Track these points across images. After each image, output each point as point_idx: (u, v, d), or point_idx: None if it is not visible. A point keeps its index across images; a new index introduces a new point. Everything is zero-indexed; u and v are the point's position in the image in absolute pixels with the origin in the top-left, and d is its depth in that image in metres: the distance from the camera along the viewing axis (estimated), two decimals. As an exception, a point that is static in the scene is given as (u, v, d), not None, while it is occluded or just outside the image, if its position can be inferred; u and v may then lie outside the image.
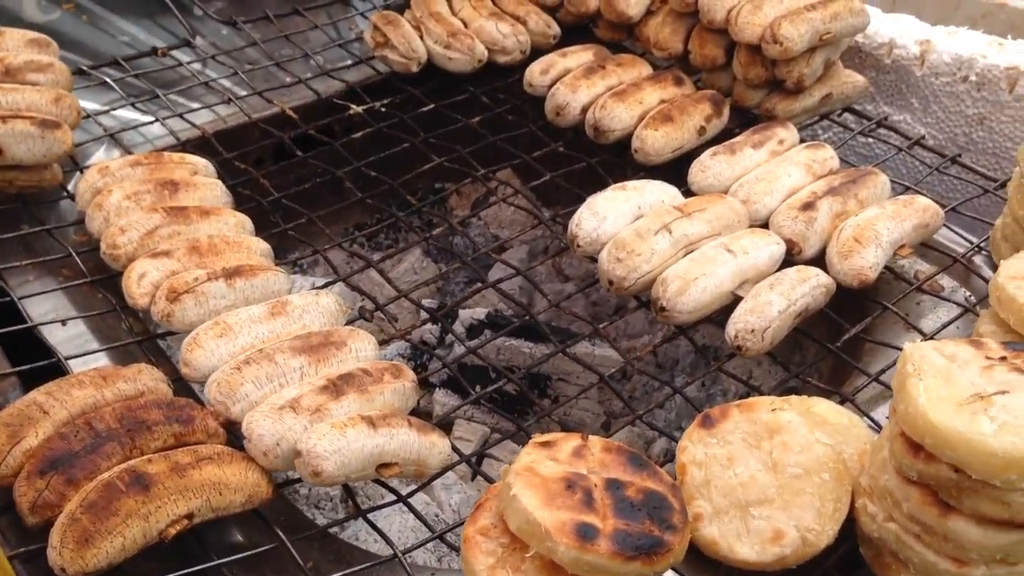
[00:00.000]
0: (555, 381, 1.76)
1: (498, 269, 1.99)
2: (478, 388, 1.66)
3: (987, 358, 1.01)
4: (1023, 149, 1.35)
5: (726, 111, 1.73)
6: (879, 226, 1.42)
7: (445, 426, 1.76)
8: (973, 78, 1.81)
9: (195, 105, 1.84)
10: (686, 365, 1.85)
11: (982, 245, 1.52)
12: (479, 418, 1.76)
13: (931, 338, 1.37)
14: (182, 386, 1.25)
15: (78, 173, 1.59)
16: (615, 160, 1.73)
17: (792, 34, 1.64)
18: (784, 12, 1.68)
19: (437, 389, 1.76)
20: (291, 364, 1.18)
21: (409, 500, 1.17)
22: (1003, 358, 1.01)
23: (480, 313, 1.78)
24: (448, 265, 2.00)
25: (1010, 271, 1.12)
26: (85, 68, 1.88)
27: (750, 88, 1.77)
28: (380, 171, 1.70)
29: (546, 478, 1.00)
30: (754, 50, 1.71)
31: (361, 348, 1.24)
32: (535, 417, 1.38)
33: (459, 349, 1.73)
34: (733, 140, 1.63)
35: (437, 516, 1.48)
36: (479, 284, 1.73)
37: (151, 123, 1.77)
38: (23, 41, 1.64)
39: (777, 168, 1.55)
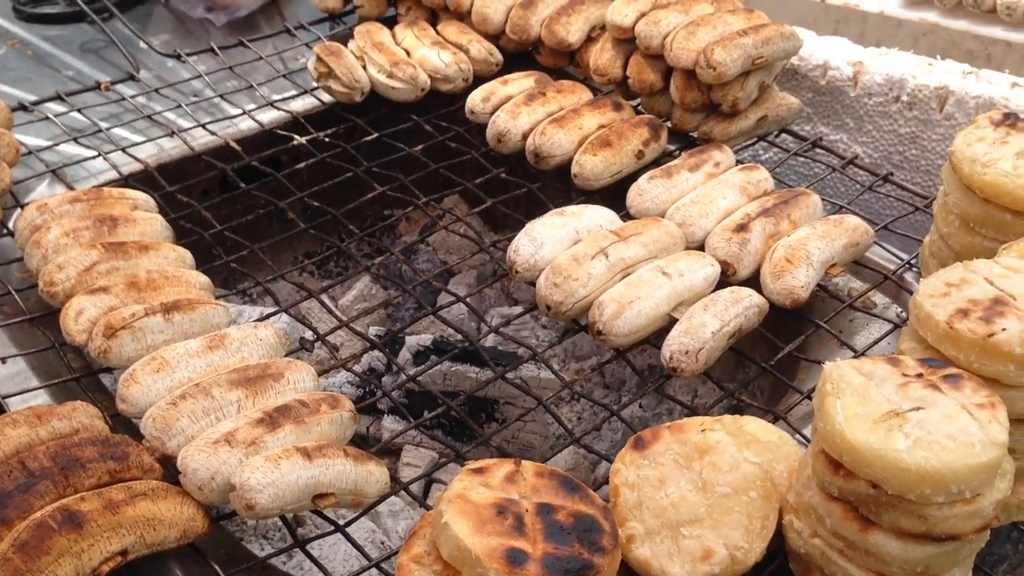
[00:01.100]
0: (502, 405, 1.77)
1: (446, 294, 2.01)
2: (426, 413, 1.68)
3: (904, 375, 1.04)
4: (946, 168, 1.39)
5: (664, 135, 1.77)
6: (810, 246, 1.45)
7: (394, 452, 1.77)
8: (904, 98, 1.85)
9: (138, 139, 1.85)
10: (632, 386, 1.87)
11: (913, 262, 1.55)
12: (428, 443, 1.77)
13: (862, 355, 1.40)
14: (121, 422, 1.26)
15: (18, 210, 1.59)
16: (556, 185, 1.76)
17: (725, 59, 1.67)
18: (717, 38, 1.72)
19: (385, 415, 1.77)
20: (228, 397, 1.18)
21: (348, 529, 1.18)
22: (919, 375, 1.04)
23: (426, 339, 1.79)
24: (397, 291, 2.01)
25: (928, 289, 1.15)
26: (27, 104, 1.88)
27: (688, 112, 1.80)
28: (323, 201, 1.71)
29: (478, 504, 1.02)
30: (690, 75, 1.74)
31: (299, 379, 1.25)
32: (474, 443, 1.39)
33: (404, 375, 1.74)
34: (670, 163, 1.66)
35: (383, 543, 1.48)
36: (426, 310, 1.75)
37: (94, 158, 1.77)
38: (-40, 80, 1.64)
39: (712, 190, 1.58)
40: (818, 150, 1.84)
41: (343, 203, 1.74)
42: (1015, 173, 1.29)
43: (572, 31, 1.93)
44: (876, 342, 1.43)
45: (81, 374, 1.33)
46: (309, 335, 1.43)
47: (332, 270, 2.16)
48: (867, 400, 1.00)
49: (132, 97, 1.96)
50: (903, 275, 1.54)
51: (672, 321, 1.38)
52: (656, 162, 1.74)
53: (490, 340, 1.83)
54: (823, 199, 1.67)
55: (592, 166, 1.67)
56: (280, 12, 2.36)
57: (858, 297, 1.50)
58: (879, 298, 1.53)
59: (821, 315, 1.48)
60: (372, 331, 1.86)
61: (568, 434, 1.34)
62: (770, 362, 1.40)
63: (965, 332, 1.08)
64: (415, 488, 1.69)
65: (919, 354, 1.14)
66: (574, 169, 1.68)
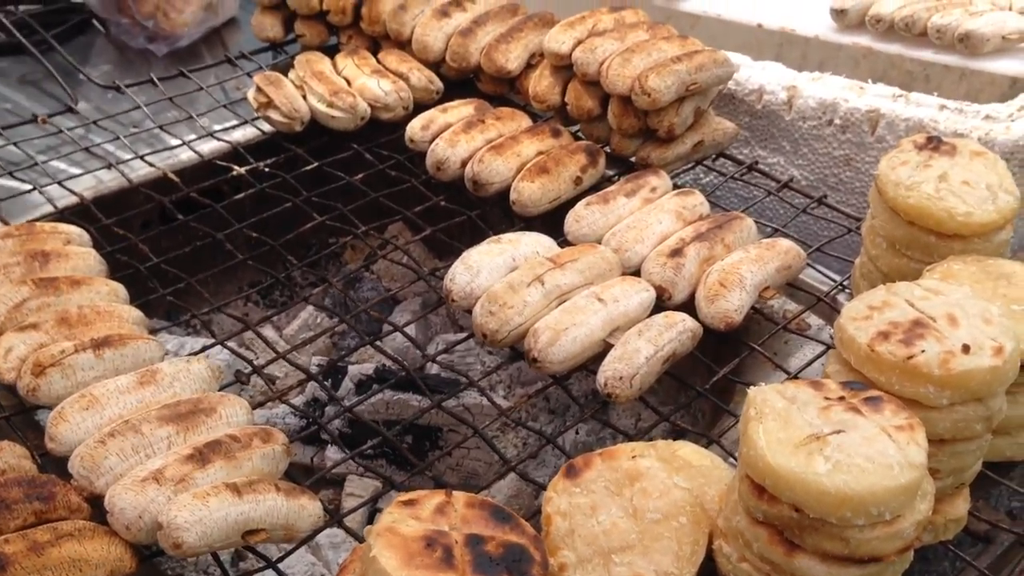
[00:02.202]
0: (446, 432, 1.77)
1: (393, 321, 2.01)
2: (368, 442, 1.67)
3: (826, 398, 1.06)
4: (873, 191, 1.41)
5: (602, 161, 1.78)
6: (743, 270, 1.47)
7: (338, 481, 1.76)
8: (837, 121, 1.89)
9: (76, 171, 1.84)
10: (576, 410, 1.88)
11: (846, 283, 1.58)
12: (371, 472, 1.76)
13: (795, 377, 1.42)
14: (51, 460, 1.24)
15: (-50, 246, 1.57)
16: (497, 212, 1.77)
17: (659, 85, 1.69)
18: (652, 64, 1.74)
19: (329, 445, 1.76)
20: (158, 434, 1.17)
21: (286, 562, 1.17)
22: (841, 398, 1.06)
23: (368, 368, 1.79)
24: (338, 321, 2.01)
25: (851, 312, 1.17)
26: (-38, 138, 1.86)
27: (625, 137, 1.82)
28: (264, 231, 1.71)
29: (406, 537, 1.01)
30: (626, 101, 1.77)
31: (232, 414, 1.24)
32: (413, 472, 1.39)
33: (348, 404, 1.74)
34: (607, 190, 1.67)
35: (323, 576, 1.48)
36: (367, 338, 1.74)
37: (29, 192, 1.76)
38: None
39: (648, 216, 1.60)
40: (755, 173, 1.87)
41: (284, 233, 1.73)
42: (937, 196, 1.32)
43: (511, 58, 1.95)
44: (809, 363, 1.45)
45: (11, 412, 1.31)
46: (245, 367, 1.43)
47: (277, 299, 2.15)
48: (789, 424, 1.02)
49: (70, 129, 1.94)
50: (836, 296, 1.56)
51: (608, 347, 1.39)
52: (595, 188, 1.76)
53: (437, 367, 1.83)
54: (761, 222, 1.70)
55: (530, 193, 1.68)
56: (223, 42, 2.36)
57: (792, 319, 1.52)
58: (813, 319, 1.56)
59: (756, 338, 1.50)
60: (315, 360, 1.85)
61: (505, 463, 1.34)
62: (705, 386, 1.41)
63: (885, 355, 1.10)
64: (360, 517, 1.68)
65: (843, 376, 1.16)
66: (512, 196, 1.69)
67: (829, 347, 1.46)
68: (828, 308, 1.55)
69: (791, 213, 1.79)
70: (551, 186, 1.69)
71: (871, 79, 2.08)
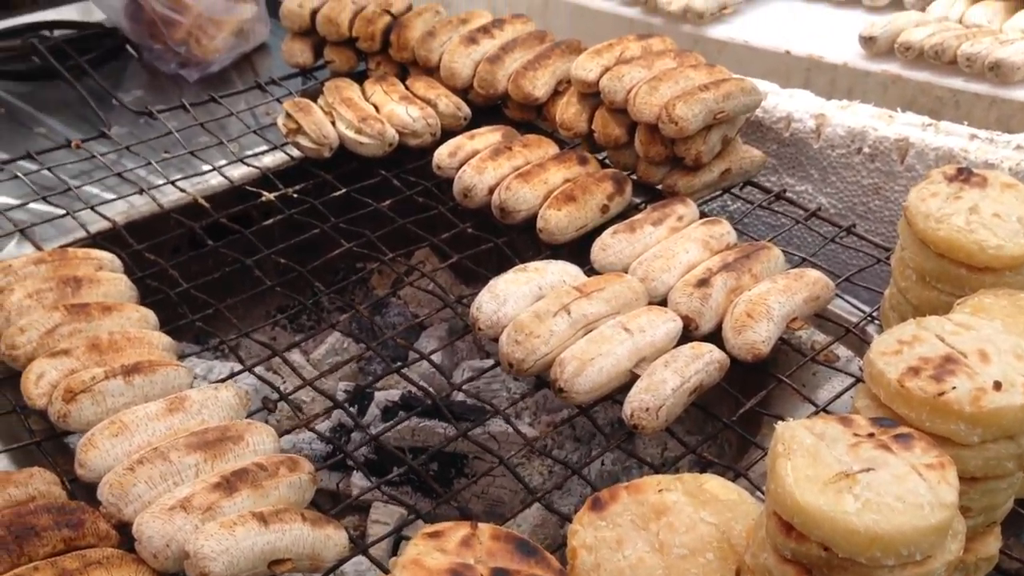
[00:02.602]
0: (471, 459, 1.77)
1: (419, 347, 2.01)
2: (395, 470, 1.68)
3: (855, 435, 1.05)
4: (902, 223, 1.41)
5: (628, 189, 1.78)
6: (770, 300, 1.46)
7: (364, 508, 1.76)
8: (866, 150, 1.88)
9: (108, 196, 1.86)
10: (602, 439, 1.87)
11: (875, 315, 1.57)
12: (398, 498, 1.76)
13: (824, 409, 1.41)
14: (81, 486, 1.25)
15: (-16, 271, 1.60)
16: (523, 239, 1.77)
17: (686, 114, 1.69)
18: (679, 92, 1.74)
19: (355, 472, 1.77)
20: (186, 461, 1.18)
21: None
22: (871, 435, 1.05)
23: (395, 395, 1.79)
24: (368, 344, 2.02)
25: (881, 346, 1.16)
26: (-3, 164, 1.89)
27: (652, 165, 1.82)
28: (292, 257, 1.72)
29: (432, 570, 1.01)
30: (653, 129, 1.77)
31: (259, 442, 1.25)
32: (439, 500, 1.39)
33: (373, 430, 1.74)
34: (634, 218, 1.67)
35: (349, 605, 1.48)
36: (396, 364, 1.75)
37: (62, 216, 1.78)
38: (-73, 142, 1.65)
39: (675, 245, 1.59)
40: (783, 202, 1.86)
41: (312, 259, 1.74)
42: (968, 228, 1.31)
43: (538, 85, 1.96)
44: (838, 396, 1.44)
45: (42, 438, 1.32)
46: (272, 394, 1.43)
47: (305, 323, 2.16)
48: (818, 461, 1.01)
49: (103, 154, 1.97)
50: (865, 328, 1.55)
51: (634, 377, 1.39)
52: (621, 215, 1.76)
53: (463, 393, 1.83)
54: (788, 251, 1.69)
55: (556, 221, 1.68)
56: (253, 67, 2.38)
57: (820, 351, 1.51)
58: (842, 351, 1.54)
59: (784, 369, 1.49)
60: (342, 386, 1.86)
61: (530, 493, 1.34)
62: (732, 417, 1.40)
63: (916, 391, 1.08)
64: (386, 545, 1.68)
65: (873, 412, 1.15)
66: (539, 224, 1.70)
67: (858, 379, 1.45)
68: (857, 339, 1.54)
69: (819, 242, 1.78)
70: (578, 214, 1.70)
71: (900, 105, 2.08)
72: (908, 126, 1.85)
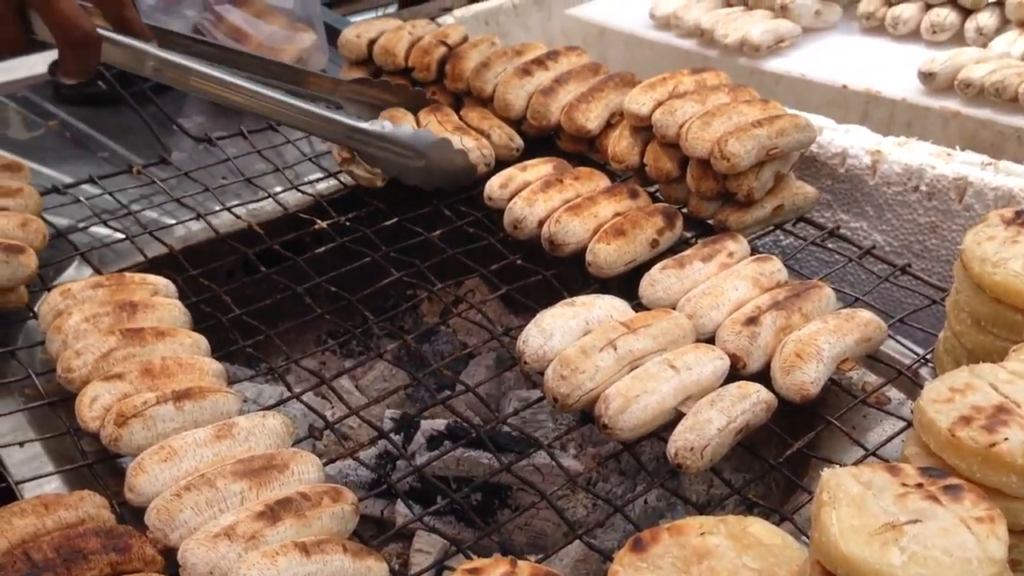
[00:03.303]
0: (515, 491, 1.77)
1: (466, 376, 2.02)
2: (439, 500, 1.68)
3: (903, 485, 1.03)
4: (957, 266, 1.38)
5: (679, 224, 1.78)
6: (820, 341, 1.44)
7: (407, 536, 1.77)
8: (923, 187, 1.85)
9: (166, 221, 1.90)
10: (649, 472, 1.86)
11: (928, 357, 1.54)
12: (441, 528, 1.77)
13: (873, 454, 1.39)
14: (129, 510, 1.27)
15: (45, 293, 1.64)
16: (571, 272, 1.77)
17: (738, 150, 1.69)
18: (732, 128, 1.73)
19: (398, 502, 1.77)
20: (231, 489, 1.20)
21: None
22: (919, 484, 1.03)
23: (440, 424, 1.80)
24: (417, 372, 2.03)
25: (932, 394, 1.14)
26: (60, 187, 1.94)
27: (704, 200, 1.81)
28: (343, 285, 1.74)
29: (470, 608, 1.02)
30: (705, 164, 1.76)
31: (304, 471, 1.26)
32: (483, 532, 1.39)
33: (418, 459, 1.75)
34: (683, 253, 1.66)
35: (389, 635, 1.47)
36: (442, 395, 1.76)
37: (122, 240, 1.82)
38: (-5, 166, 1.70)
39: (724, 282, 1.58)
40: (836, 239, 1.84)
41: (362, 287, 1.76)
42: (1025, 273, 1.28)
43: (591, 118, 1.96)
44: (888, 440, 1.41)
45: (94, 460, 1.35)
46: (318, 423, 1.45)
47: (354, 349, 2.18)
48: (864, 511, 0.99)
49: (163, 180, 2.01)
50: (918, 370, 1.53)
51: (679, 415, 1.38)
52: (671, 250, 1.75)
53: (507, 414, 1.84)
54: (841, 289, 1.67)
55: (606, 255, 1.68)
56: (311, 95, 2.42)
57: (871, 393, 1.49)
58: (894, 393, 1.52)
59: (833, 411, 1.47)
60: (389, 413, 1.87)
61: (571, 529, 1.33)
62: (779, 459, 1.39)
63: (967, 441, 1.06)
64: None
65: (923, 460, 1.13)
66: (588, 258, 1.70)
67: (910, 423, 1.42)
68: (910, 382, 1.51)
69: (873, 280, 1.76)
70: (627, 248, 1.69)
71: (960, 142, 2.05)
72: (967, 165, 1.82)
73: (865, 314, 1.51)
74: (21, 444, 1.38)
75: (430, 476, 1.50)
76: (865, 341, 1.49)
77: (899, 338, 1.58)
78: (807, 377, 1.41)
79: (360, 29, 2.28)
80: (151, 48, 1.71)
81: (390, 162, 1.91)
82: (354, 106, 2.13)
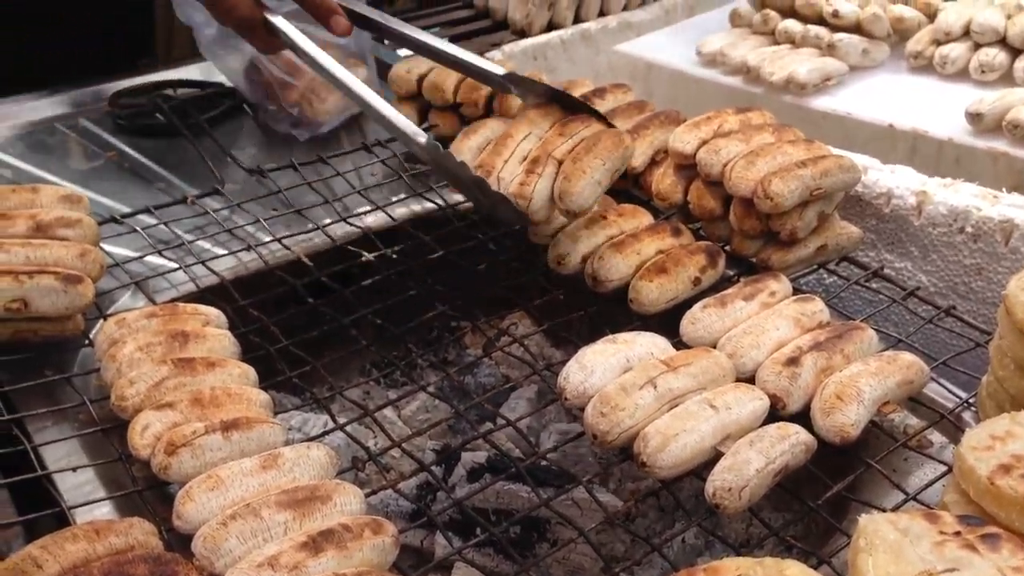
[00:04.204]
0: (554, 524, 1.78)
1: (507, 408, 2.04)
2: (478, 532, 1.69)
3: (941, 532, 1.03)
4: (1001, 311, 1.38)
5: (721, 262, 1.79)
6: (862, 383, 1.44)
7: (446, 567, 1.78)
8: (969, 229, 1.85)
9: (218, 251, 1.95)
10: (687, 509, 1.86)
11: (971, 401, 1.53)
12: (479, 560, 1.78)
13: (914, 498, 1.38)
14: (177, 537, 1.30)
15: (101, 321, 1.69)
16: (615, 308, 1.79)
17: (782, 190, 1.70)
18: (776, 168, 1.74)
19: (438, 533, 1.79)
20: (276, 519, 1.22)
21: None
22: (957, 533, 1.03)
23: (481, 456, 1.82)
24: (459, 404, 2.05)
25: (972, 441, 1.14)
26: (118, 217, 1.99)
27: (747, 239, 1.82)
28: (388, 317, 1.77)
29: (506, 644, 1.03)
30: (748, 203, 1.77)
31: (346, 502, 1.28)
32: (521, 567, 1.40)
33: (459, 491, 1.77)
34: (724, 292, 1.67)
35: (427, 666, 1.49)
36: (487, 427, 1.78)
37: (175, 270, 1.87)
38: (56, 197, 1.76)
39: (765, 321, 1.59)
40: (880, 279, 1.84)
41: (407, 319, 1.79)
42: (1069, 321, 1.28)
43: (636, 155, 1.98)
44: (929, 484, 1.41)
45: (144, 487, 1.39)
46: (362, 454, 1.48)
47: (398, 379, 2.21)
48: (901, 559, 0.99)
49: (215, 210, 2.06)
50: (960, 415, 1.52)
51: (718, 455, 1.39)
52: (714, 287, 1.76)
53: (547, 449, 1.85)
54: (884, 329, 1.67)
55: (648, 292, 1.70)
56: (360, 128, 2.47)
57: (912, 436, 1.48)
58: (935, 437, 1.51)
59: (874, 453, 1.46)
60: (430, 444, 1.89)
61: (608, 566, 1.34)
62: (818, 501, 1.39)
63: (1006, 489, 1.06)
64: (466, 607, 1.70)
65: (962, 507, 1.12)
66: (631, 295, 1.71)
67: (951, 468, 1.42)
68: (952, 426, 1.50)
69: (916, 322, 1.75)
70: (669, 286, 1.71)
71: (1008, 183, 2.04)
72: (1013, 207, 1.81)
73: (907, 356, 1.51)
74: (74, 469, 1.42)
75: (469, 509, 1.52)
76: (907, 384, 1.48)
77: (942, 381, 1.57)
78: (847, 419, 1.41)
79: (411, 64, 2.33)
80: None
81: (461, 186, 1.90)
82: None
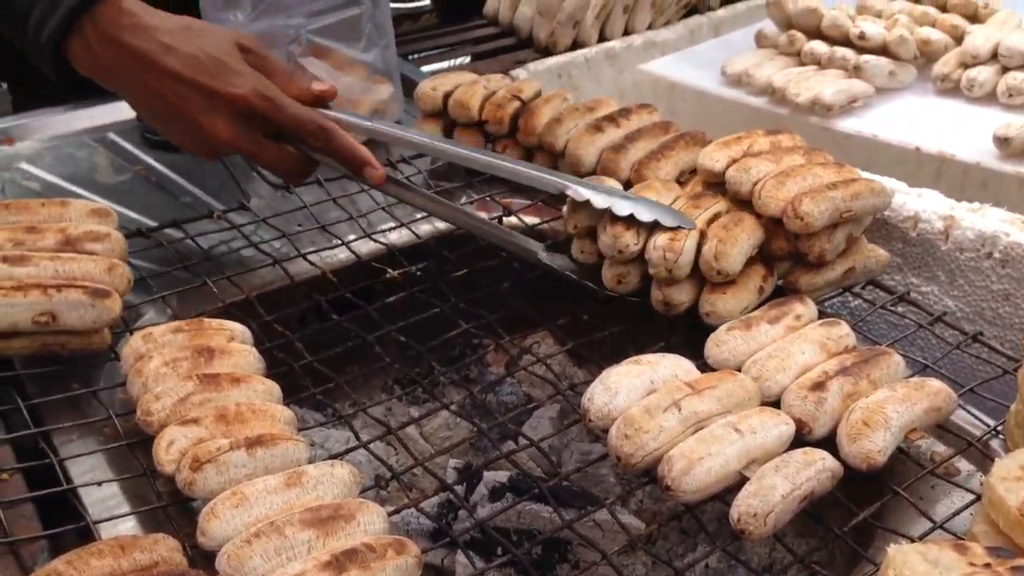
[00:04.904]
0: (576, 546, 1.77)
1: (529, 428, 2.03)
2: (499, 552, 1.69)
3: (971, 564, 1.02)
4: (1030, 338, 1.37)
5: (776, 271, 1.78)
6: (889, 409, 1.43)
7: (467, 588, 1.78)
8: (997, 255, 1.83)
9: (244, 267, 1.96)
10: (710, 532, 1.85)
11: (999, 428, 1.52)
12: (500, 581, 1.78)
13: (941, 526, 1.37)
14: (200, 553, 1.30)
15: (128, 335, 1.70)
16: (636, 329, 1.78)
17: (812, 210, 1.69)
18: (807, 189, 1.74)
19: (459, 551, 1.79)
20: (300, 537, 1.23)
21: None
22: (987, 564, 1.02)
23: (503, 476, 1.81)
24: (481, 422, 2.05)
25: (1002, 471, 1.13)
26: (145, 231, 2.01)
27: (775, 260, 1.81)
28: (411, 335, 1.77)
29: (530, 669, 1.03)
30: (777, 223, 1.76)
31: (370, 521, 1.28)
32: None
33: (480, 510, 1.77)
34: (750, 315, 1.67)
35: None
36: (509, 445, 1.77)
37: (200, 285, 1.88)
38: (85, 211, 1.77)
39: (791, 345, 1.58)
40: (906, 303, 1.83)
41: (430, 338, 1.79)
42: (1101, 350, 1.27)
43: (662, 175, 1.98)
44: (956, 513, 1.39)
45: (168, 502, 1.39)
46: (385, 472, 1.47)
47: (420, 396, 2.21)
48: (930, 590, 0.99)
49: (241, 225, 2.07)
50: (988, 442, 1.50)
51: (743, 479, 1.38)
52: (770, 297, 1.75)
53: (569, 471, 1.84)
54: (910, 354, 1.66)
55: (723, 304, 1.70)
56: (386, 145, 2.47)
57: (940, 464, 1.47)
58: (963, 464, 1.50)
59: (900, 480, 1.45)
60: (452, 463, 1.89)
61: (632, 592, 1.33)
62: (843, 528, 1.37)
63: (1037, 522, 1.05)
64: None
65: (991, 538, 1.11)
66: (705, 309, 1.72)
67: (979, 496, 1.40)
68: (979, 454, 1.49)
69: (943, 347, 1.74)
70: (740, 296, 1.70)
71: (1036, 208, 2.02)
72: (1042, 232, 1.80)
73: (935, 383, 1.50)
74: (99, 484, 1.43)
75: (491, 529, 1.51)
76: (934, 411, 1.47)
77: (969, 408, 1.56)
78: (874, 446, 1.40)
79: (436, 82, 2.34)
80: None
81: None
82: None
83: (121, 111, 2.61)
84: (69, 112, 2.61)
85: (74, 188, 2.26)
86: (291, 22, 2.36)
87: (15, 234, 1.68)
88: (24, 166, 2.37)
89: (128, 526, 1.37)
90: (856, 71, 2.58)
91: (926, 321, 1.76)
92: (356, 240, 2.05)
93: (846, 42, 2.71)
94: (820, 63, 2.69)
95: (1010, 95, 2.52)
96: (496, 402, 2.10)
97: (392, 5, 2.46)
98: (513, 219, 2.13)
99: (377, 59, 2.43)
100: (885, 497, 1.42)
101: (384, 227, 2.09)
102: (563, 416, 2.10)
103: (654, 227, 1.75)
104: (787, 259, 1.82)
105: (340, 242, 2.03)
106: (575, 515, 1.50)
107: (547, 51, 3.00)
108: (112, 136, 2.51)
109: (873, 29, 2.66)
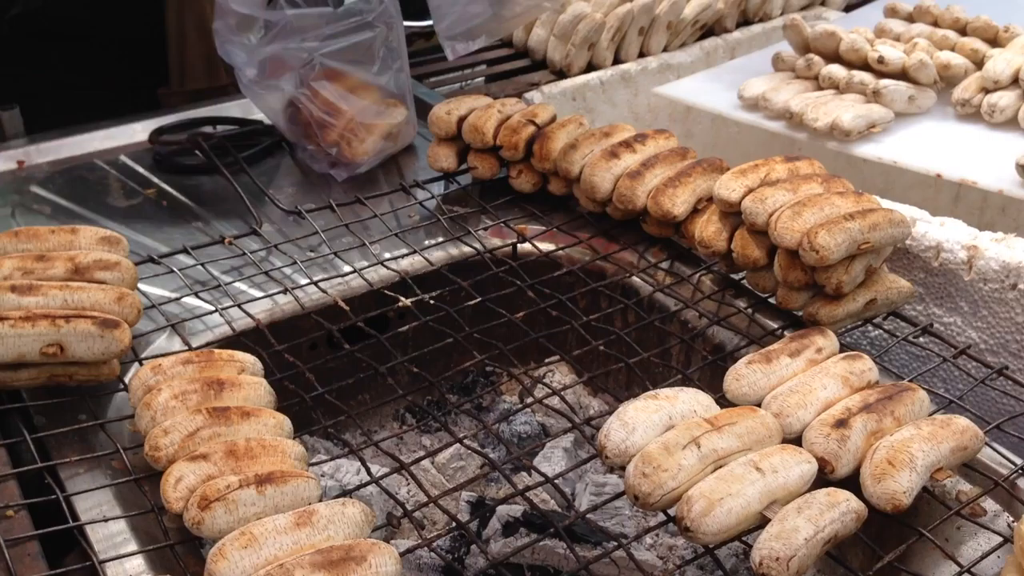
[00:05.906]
0: (590, 583, 1.73)
1: (543, 458, 2.00)
2: (512, 587, 1.66)
3: (1005, 619, 0.98)
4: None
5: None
6: (914, 448, 1.39)
7: (479, 624, 1.74)
8: (1021, 286, 1.80)
9: (255, 294, 1.93)
10: (727, 571, 1.81)
11: (1027, 467, 1.48)
12: (514, 618, 1.74)
13: (968, 570, 1.33)
14: (207, 592, 1.28)
15: (136, 365, 1.67)
16: (653, 360, 1.75)
17: (829, 243, 1.66)
18: (823, 220, 1.70)
19: (472, 586, 1.75)
20: (310, 580, 1.19)
21: None
22: (1022, 620, 0.98)
23: (516, 511, 1.78)
24: (494, 452, 2.02)
25: (1035, 519, 1.09)
26: (155, 257, 1.98)
27: (792, 291, 1.78)
28: (424, 365, 1.75)
29: None
30: (793, 255, 1.73)
31: (382, 563, 1.25)
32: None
33: (493, 545, 1.74)
34: (769, 348, 1.63)
35: None
36: (522, 477, 1.74)
37: (211, 313, 1.85)
38: (95, 239, 1.75)
39: (812, 380, 1.54)
40: (929, 336, 1.79)
41: (443, 367, 1.77)
42: None
43: (678, 203, 1.96)
44: (984, 556, 1.35)
45: (176, 540, 1.36)
46: (397, 511, 1.44)
47: (432, 425, 2.17)
48: (963, 647, 0.95)
49: (252, 251, 2.05)
50: (1015, 481, 1.46)
51: (765, 520, 1.34)
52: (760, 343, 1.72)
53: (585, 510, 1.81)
54: (933, 388, 1.62)
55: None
56: (399, 169, 2.46)
57: (966, 504, 1.43)
58: (990, 504, 1.46)
59: (925, 521, 1.41)
60: (465, 496, 1.86)
61: (650, 636, 1.29)
62: (868, 571, 1.34)
63: (1073, 574, 1.01)
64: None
65: (1024, 589, 1.08)
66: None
67: (1007, 539, 1.37)
68: (1007, 493, 1.45)
69: (967, 381, 1.70)
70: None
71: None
72: (1068, 264, 1.76)
73: (962, 421, 1.46)
74: (106, 520, 1.40)
75: (503, 568, 1.48)
76: (961, 450, 1.43)
77: (995, 445, 1.52)
78: (899, 487, 1.36)
79: (450, 106, 2.32)
80: None
81: None
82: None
83: (133, 134, 2.60)
84: (81, 134, 2.59)
85: (85, 212, 2.25)
86: (305, 45, 2.35)
87: (24, 262, 1.67)
88: (35, 189, 2.36)
89: (135, 564, 1.35)
90: (875, 96, 2.55)
91: (950, 354, 1.72)
92: (368, 268, 2.02)
93: (864, 66, 2.67)
94: (838, 87, 2.65)
95: (1032, 120, 2.48)
96: (510, 432, 2.07)
97: (404, 23, 2.44)
98: (527, 246, 2.10)
99: (391, 82, 2.42)
100: (910, 539, 1.38)
101: (396, 253, 2.07)
102: (577, 446, 2.07)
103: None
104: (805, 290, 1.78)
105: (352, 269, 2.01)
106: (590, 554, 1.46)
107: (561, 73, 2.98)
108: (124, 159, 2.50)
109: (892, 53, 2.62)
